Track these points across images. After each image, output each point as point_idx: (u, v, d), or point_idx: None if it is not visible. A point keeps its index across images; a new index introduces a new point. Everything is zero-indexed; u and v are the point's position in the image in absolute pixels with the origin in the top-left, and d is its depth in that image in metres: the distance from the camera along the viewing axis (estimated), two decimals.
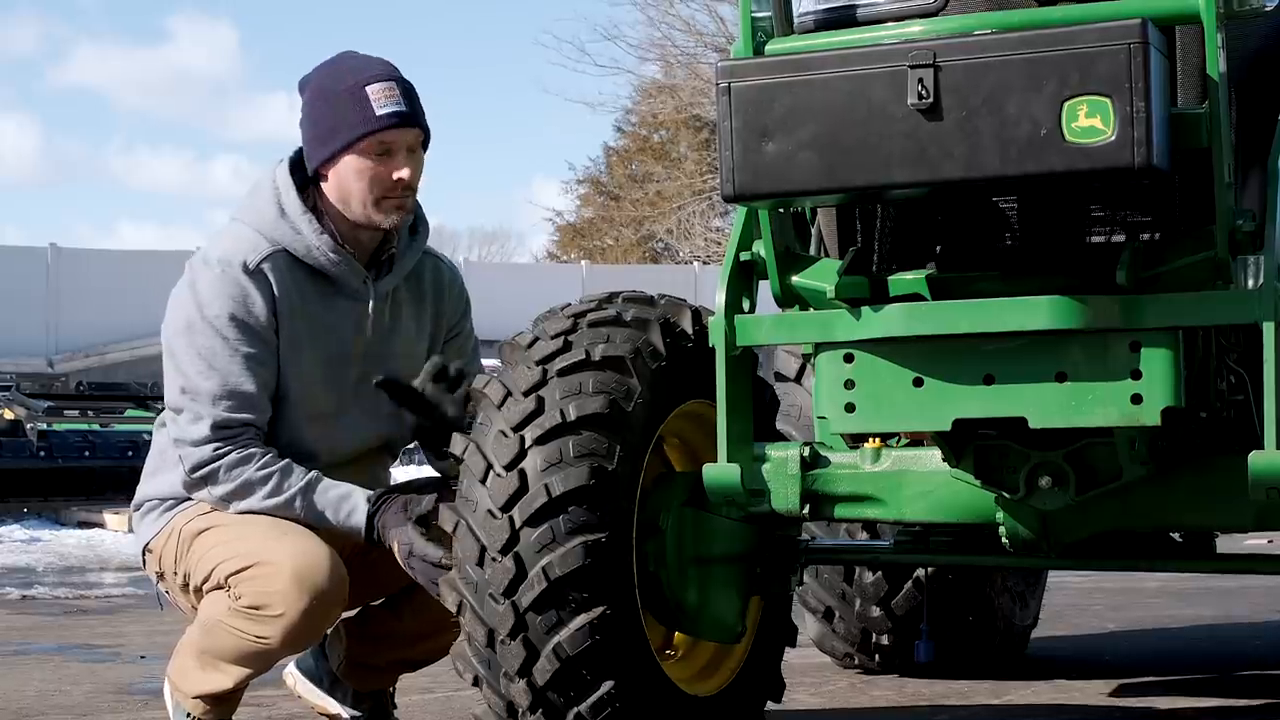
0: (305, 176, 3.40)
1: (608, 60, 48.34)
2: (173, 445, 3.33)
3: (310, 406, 3.35)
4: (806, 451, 3.23)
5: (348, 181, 3.33)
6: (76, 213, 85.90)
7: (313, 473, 3.28)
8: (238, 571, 3.19)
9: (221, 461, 3.25)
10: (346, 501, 3.26)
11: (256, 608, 3.16)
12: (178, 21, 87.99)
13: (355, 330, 3.40)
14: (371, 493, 3.28)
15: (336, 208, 3.36)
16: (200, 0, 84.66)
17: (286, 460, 3.28)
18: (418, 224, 3.51)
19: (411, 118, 3.33)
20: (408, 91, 3.35)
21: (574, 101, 77.86)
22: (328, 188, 3.37)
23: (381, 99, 3.31)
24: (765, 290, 3.14)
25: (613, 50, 45.97)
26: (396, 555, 3.20)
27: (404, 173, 3.32)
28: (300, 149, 3.43)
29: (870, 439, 3.26)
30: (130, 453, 12.80)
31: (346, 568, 3.24)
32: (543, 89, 72.89)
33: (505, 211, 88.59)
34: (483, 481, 2.99)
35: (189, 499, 3.36)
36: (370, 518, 3.23)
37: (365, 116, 3.30)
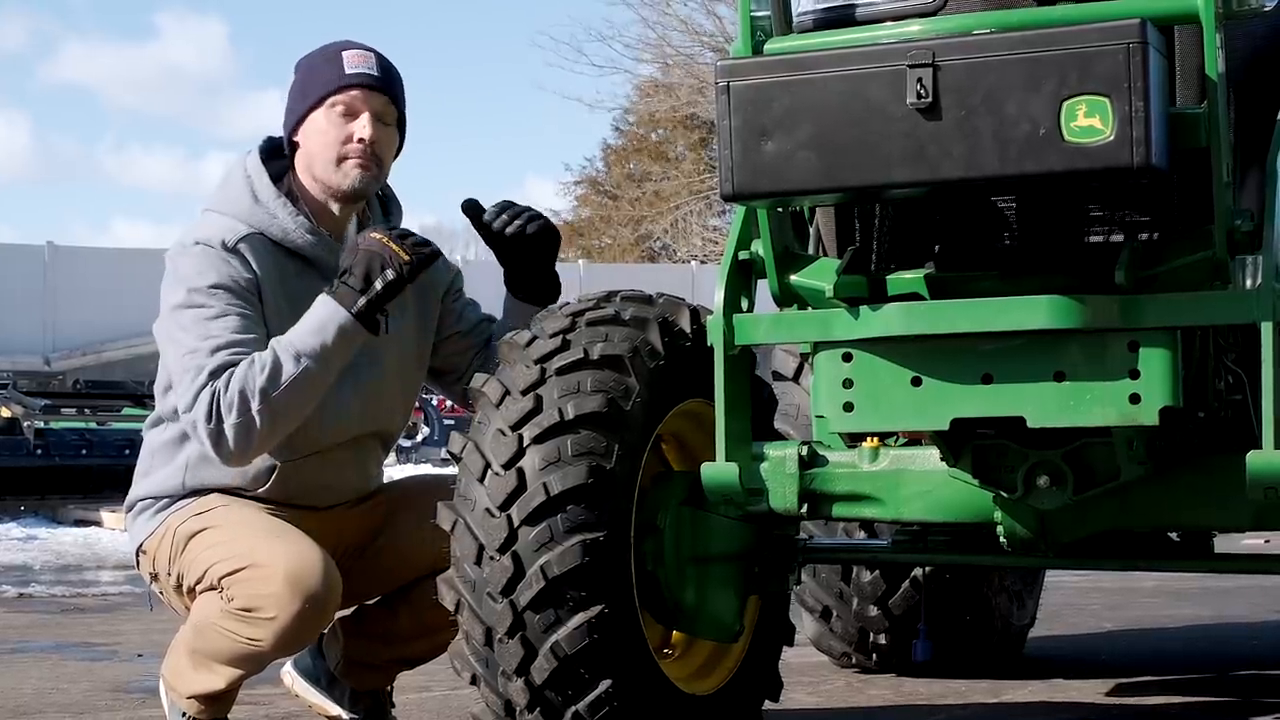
0: (277, 167, 3.42)
1: (604, 60, 48.26)
2: (178, 427, 3.28)
3: None
4: (804, 450, 3.23)
5: (312, 142, 3.37)
6: (70, 210, 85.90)
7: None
8: (231, 573, 3.18)
9: (215, 390, 3.16)
10: (311, 309, 3.23)
11: (249, 610, 3.15)
12: (165, 18, 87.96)
13: None
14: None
15: (308, 186, 3.38)
16: None
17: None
18: (390, 204, 3.53)
19: (380, 82, 3.37)
20: (385, 66, 3.40)
21: (570, 100, 77.85)
22: (299, 159, 3.39)
23: (354, 62, 3.37)
24: (764, 289, 3.14)
25: (609, 51, 45.83)
26: (392, 245, 3.21)
27: (365, 131, 3.33)
28: (268, 139, 3.47)
29: (868, 438, 3.26)
30: (127, 451, 12.75)
31: (341, 568, 3.24)
32: (538, 87, 72.85)
33: None
34: (481, 480, 2.99)
35: (182, 499, 3.35)
36: (331, 287, 3.23)
37: (334, 75, 3.35)
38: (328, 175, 3.36)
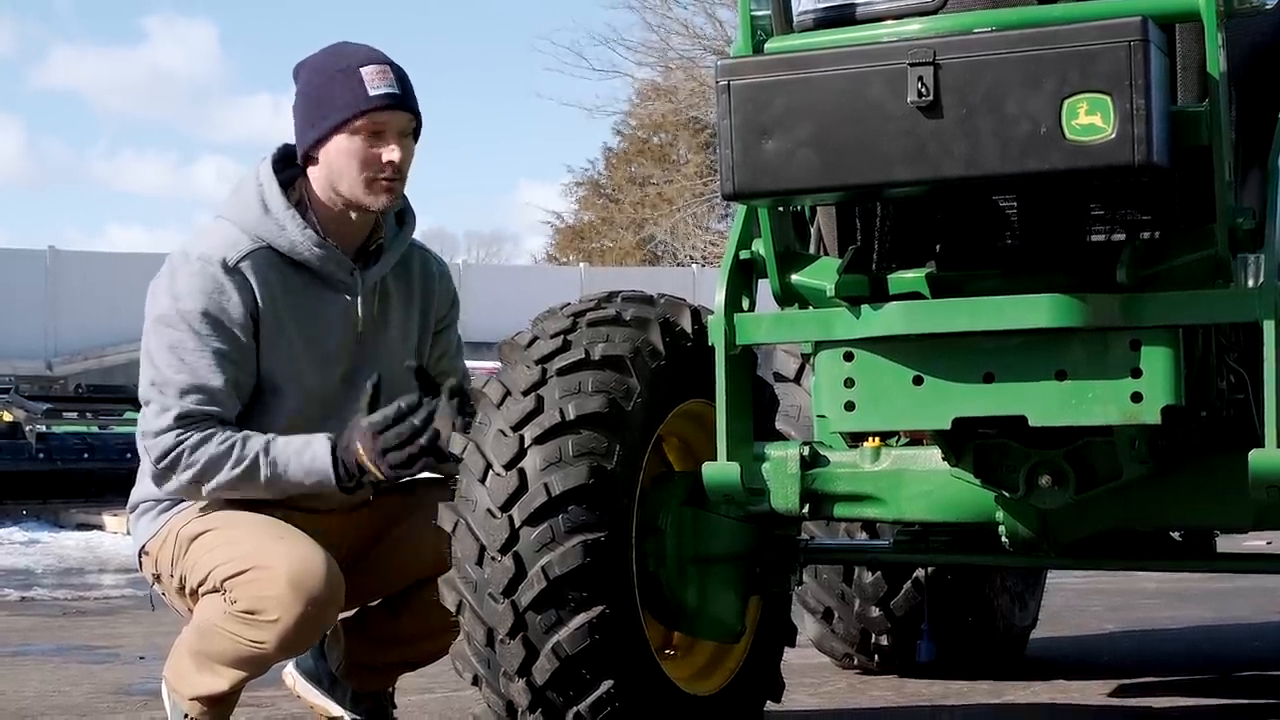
0: (290, 174, 3.40)
1: (605, 64, 48.24)
2: (139, 439, 3.32)
3: (303, 399, 3.34)
4: (806, 450, 3.22)
5: (337, 163, 3.33)
6: (64, 215, 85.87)
7: (269, 434, 3.27)
8: (233, 575, 3.18)
9: (184, 445, 3.22)
10: (308, 448, 3.24)
11: (252, 612, 3.15)
12: (153, 22, 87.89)
13: (344, 322, 3.40)
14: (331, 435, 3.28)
15: (321, 199, 3.36)
16: (177, 0, 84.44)
17: (244, 431, 3.26)
18: (405, 215, 3.52)
19: (404, 101, 3.33)
20: (401, 77, 3.36)
21: (571, 106, 77.87)
22: (315, 172, 3.37)
23: (375, 80, 3.31)
24: (765, 289, 3.14)
25: (610, 55, 45.80)
26: (370, 464, 3.20)
27: (394, 155, 3.31)
28: (283, 146, 3.44)
29: (870, 438, 3.26)
30: (129, 455, 12.72)
31: (343, 569, 3.24)
32: (537, 94, 72.88)
33: (503, 214, 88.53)
34: (482, 481, 2.99)
35: (185, 500, 3.35)
36: (334, 449, 3.23)
37: (358, 96, 3.30)
38: (356, 195, 3.33)
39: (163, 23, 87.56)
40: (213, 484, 3.23)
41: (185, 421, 3.24)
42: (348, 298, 3.40)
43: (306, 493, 3.28)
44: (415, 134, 3.40)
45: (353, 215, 3.37)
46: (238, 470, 3.22)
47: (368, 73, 3.32)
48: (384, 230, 3.46)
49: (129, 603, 7.44)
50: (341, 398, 3.39)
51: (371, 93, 3.30)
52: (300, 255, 3.34)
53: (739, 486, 3.10)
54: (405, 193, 3.48)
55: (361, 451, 3.21)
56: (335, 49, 3.40)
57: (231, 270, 3.28)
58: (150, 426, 3.26)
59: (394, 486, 3.58)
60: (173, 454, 3.23)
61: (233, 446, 3.22)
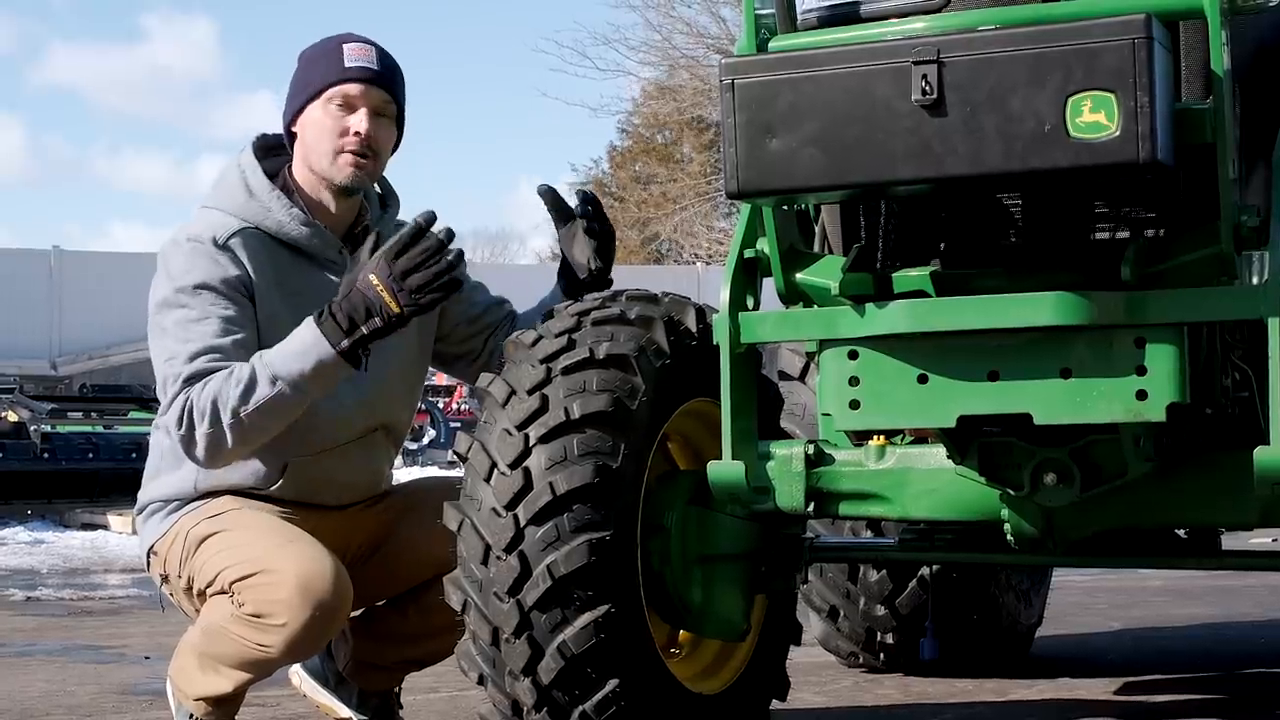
0: (273, 163, 3.42)
1: (608, 64, 48.10)
2: (168, 438, 3.30)
3: None
4: (811, 449, 3.22)
5: (309, 134, 3.36)
6: (66, 214, 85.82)
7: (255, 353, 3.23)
8: (242, 578, 3.18)
9: (189, 398, 3.17)
10: (292, 335, 3.19)
11: (259, 616, 3.15)
12: (151, 19, 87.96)
13: None
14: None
15: (300, 180, 3.38)
16: None
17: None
18: (388, 199, 3.54)
19: (380, 76, 3.36)
20: (386, 60, 3.39)
21: (575, 105, 77.92)
22: (296, 150, 3.40)
23: (353, 54, 3.36)
24: (769, 287, 3.14)
25: (613, 54, 45.62)
26: (387, 295, 3.14)
27: (361, 125, 3.32)
28: (261, 135, 3.48)
29: (875, 436, 3.26)
30: (134, 454, 12.76)
31: (351, 569, 3.24)
32: (542, 93, 72.91)
33: (508, 213, 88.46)
34: (487, 480, 2.99)
35: (193, 501, 3.35)
36: (320, 316, 3.18)
37: (333, 68, 3.34)
38: (323, 168, 3.36)
39: (161, 20, 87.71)
40: (228, 416, 3.15)
41: (193, 380, 3.19)
42: (337, 278, 3.40)
43: (315, 378, 3.17)
44: (399, 122, 3.41)
45: (331, 197, 3.38)
46: (240, 388, 3.14)
47: (348, 48, 3.36)
48: (368, 212, 3.47)
49: (134, 603, 7.44)
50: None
51: (347, 64, 3.34)
52: (288, 235, 3.35)
53: (744, 485, 3.10)
54: (393, 184, 3.49)
55: (376, 282, 3.15)
56: (331, 35, 3.44)
57: (222, 247, 3.28)
58: (164, 402, 3.22)
59: (397, 487, 3.59)
60: (183, 412, 3.17)
61: (229, 373, 3.16)
